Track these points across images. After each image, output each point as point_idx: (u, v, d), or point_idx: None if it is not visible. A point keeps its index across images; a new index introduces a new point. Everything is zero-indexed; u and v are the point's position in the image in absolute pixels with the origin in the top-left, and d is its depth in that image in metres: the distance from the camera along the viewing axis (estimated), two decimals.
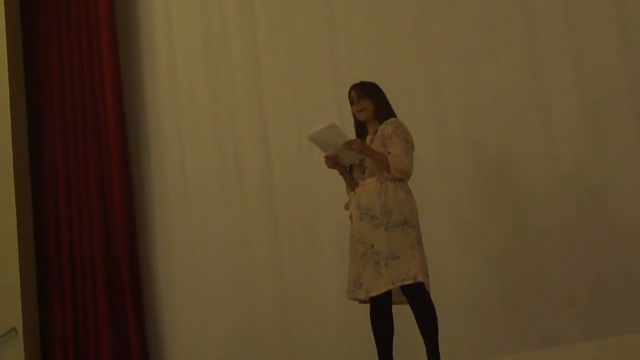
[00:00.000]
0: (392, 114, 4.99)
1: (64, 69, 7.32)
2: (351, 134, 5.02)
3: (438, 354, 4.69)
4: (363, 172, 4.94)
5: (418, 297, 4.70)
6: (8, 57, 7.24)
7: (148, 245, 6.99)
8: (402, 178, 4.83)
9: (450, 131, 5.90)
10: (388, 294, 4.77)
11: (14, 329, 6.86)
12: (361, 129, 5.08)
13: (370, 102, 4.99)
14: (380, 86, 5.06)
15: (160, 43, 7.14)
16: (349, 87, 5.09)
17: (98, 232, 6.97)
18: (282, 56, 6.60)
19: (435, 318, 4.71)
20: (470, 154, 5.83)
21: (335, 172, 5.03)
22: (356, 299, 4.86)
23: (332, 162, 4.95)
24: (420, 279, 4.66)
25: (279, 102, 6.58)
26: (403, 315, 4.86)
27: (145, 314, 6.90)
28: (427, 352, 4.69)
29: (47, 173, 7.22)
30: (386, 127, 4.90)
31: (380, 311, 4.83)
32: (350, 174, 5.02)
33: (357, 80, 5.10)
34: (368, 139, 4.99)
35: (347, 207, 4.98)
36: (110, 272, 6.93)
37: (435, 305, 4.73)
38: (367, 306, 4.88)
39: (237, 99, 6.76)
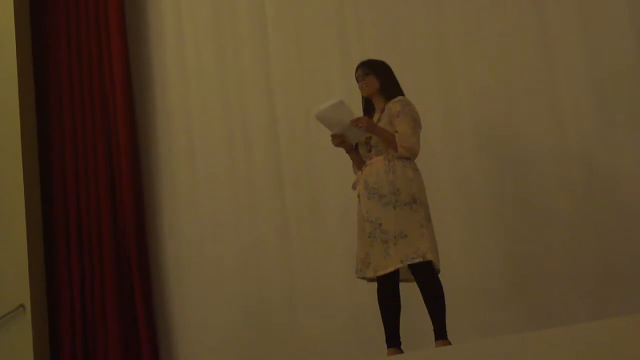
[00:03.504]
0: (399, 92, 4.99)
1: (72, 55, 7.30)
2: (359, 112, 5.02)
3: (445, 332, 4.71)
4: (369, 150, 4.94)
5: (426, 275, 4.71)
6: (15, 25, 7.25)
7: (156, 225, 6.97)
8: (409, 157, 4.83)
9: (458, 111, 5.87)
10: (395, 272, 4.78)
11: (22, 306, 6.88)
12: (369, 107, 5.08)
13: (375, 78, 4.99)
14: (388, 63, 5.05)
15: (168, 25, 7.09)
16: (356, 63, 5.09)
17: (106, 212, 6.96)
18: (290, 34, 6.57)
19: (443, 296, 4.73)
20: (478, 134, 5.81)
21: (343, 151, 5.03)
22: (364, 278, 4.88)
23: (339, 140, 4.95)
24: (428, 257, 4.67)
25: (287, 82, 6.55)
26: (410, 294, 4.87)
27: (153, 291, 6.91)
28: (434, 330, 4.72)
29: (56, 155, 7.21)
30: (394, 106, 4.90)
31: (387, 289, 4.84)
32: (357, 152, 5.02)
33: (365, 57, 5.11)
34: (375, 117, 4.99)
35: (354, 187, 4.98)
36: (118, 252, 6.93)
37: (442, 285, 4.74)
38: (375, 284, 4.89)
39: (245, 80, 6.73)
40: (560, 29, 5.62)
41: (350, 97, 5.34)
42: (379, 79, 5.00)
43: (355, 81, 5.10)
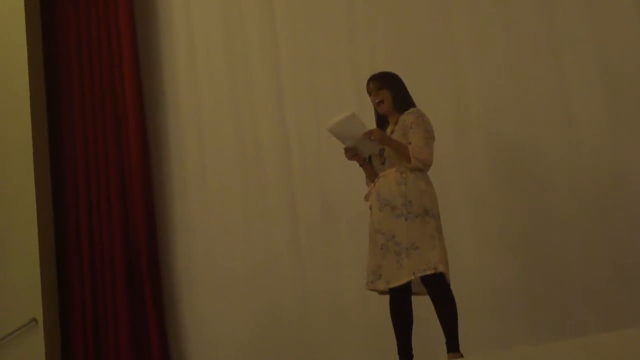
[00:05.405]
0: (411, 104, 4.99)
1: (82, 59, 7.32)
2: (371, 124, 5.01)
3: (457, 344, 4.68)
4: (383, 163, 4.93)
5: (438, 287, 4.70)
6: (27, 41, 7.27)
7: (167, 236, 6.98)
8: (423, 168, 4.82)
9: (469, 120, 5.87)
10: (408, 284, 4.76)
11: (34, 320, 6.89)
12: (382, 119, 5.08)
13: (388, 93, 4.98)
14: (399, 75, 5.04)
15: (179, 32, 7.12)
16: (367, 76, 5.08)
17: (118, 225, 6.98)
18: (301, 46, 6.58)
19: (455, 308, 4.70)
20: (489, 142, 5.80)
21: (355, 162, 5.02)
22: (375, 290, 4.86)
23: (352, 153, 4.94)
24: (440, 269, 4.65)
25: (298, 92, 6.56)
26: (422, 306, 4.85)
27: (165, 304, 6.90)
28: (446, 342, 4.69)
29: (67, 168, 7.22)
30: (407, 117, 4.89)
31: (399, 302, 4.83)
32: (370, 165, 5.02)
33: (376, 70, 5.10)
34: (389, 129, 4.99)
35: (367, 198, 4.98)
36: (129, 263, 6.94)
37: (454, 296, 4.72)
38: (387, 297, 4.87)
39: (256, 91, 6.74)
40: (570, 38, 5.61)
41: (361, 108, 5.33)
42: (391, 92, 4.99)
43: (364, 91, 5.10)
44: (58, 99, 7.36)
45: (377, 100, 5.00)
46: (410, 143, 4.81)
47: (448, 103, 5.91)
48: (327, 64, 6.46)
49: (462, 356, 4.66)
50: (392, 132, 4.94)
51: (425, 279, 4.71)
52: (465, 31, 5.95)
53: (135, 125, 7.05)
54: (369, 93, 5.03)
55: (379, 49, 6.22)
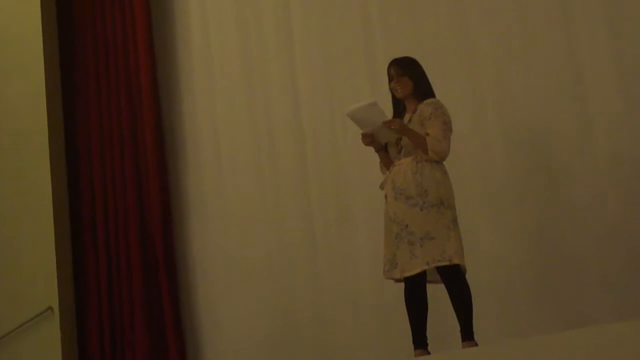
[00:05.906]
0: (431, 93, 4.98)
1: (98, 45, 7.35)
2: (387, 110, 5.01)
3: (472, 333, 4.72)
4: (399, 152, 4.94)
5: (453, 277, 4.72)
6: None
7: (183, 225, 7.01)
8: (439, 160, 4.84)
9: (485, 110, 5.86)
10: (422, 273, 4.78)
11: (50, 308, 6.93)
12: (398, 105, 5.07)
13: (409, 80, 4.97)
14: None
15: (193, 22, 7.10)
16: (382, 64, 5.09)
17: (133, 214, 6.99)
18: (316, 34, 6.56)
19: (470, 298, 4.73)
20: (505, 133, 5.79)
21: (370, 150, 5.04)
22: (392, 278, 4.88)
23: (369, 140, 4.96)
24: (455, 260, 4.68)
25: (312, 84, 6.55)
26: (437, 295, 4.89)
27: (181, 295, 6.93)
28: (461, 331, 4.73)
29: (83, 157, 7.24)
30: (425, 108, 4.89)
31: (414, 291, 4.85)
32: (386, 152, 5.03)
33: (391, 58, 5.07)
34: (406, 117, 4.98)
35: (382, 187, 4.99)
36: (145, 255, 6.97)
37: (469, 285, 4.75)
38: (402, 285, 4.90)
39: (270, 83, 6.73)
40: (587, 29, 5.59)
41: (376, 96, 5.33)
42: (413, 80, 4.98)
43: (379, 80, 5.12)
44: (74, 90, 7.38)
45: (397, 86, 4.99)
46: (427, 134, 4.83)
47: (464, 96, 5.88)
48: (341, 53, 6.44)
49: (476, 345, 4.69)
50: (409, 120, 4.93)
51: (440, 270, 4.73)
52: (482, 23, 5.91)
53: (150, 118, 7.05)
54: (390, 78, 5.01)
55: (394, 37, 6.20)
